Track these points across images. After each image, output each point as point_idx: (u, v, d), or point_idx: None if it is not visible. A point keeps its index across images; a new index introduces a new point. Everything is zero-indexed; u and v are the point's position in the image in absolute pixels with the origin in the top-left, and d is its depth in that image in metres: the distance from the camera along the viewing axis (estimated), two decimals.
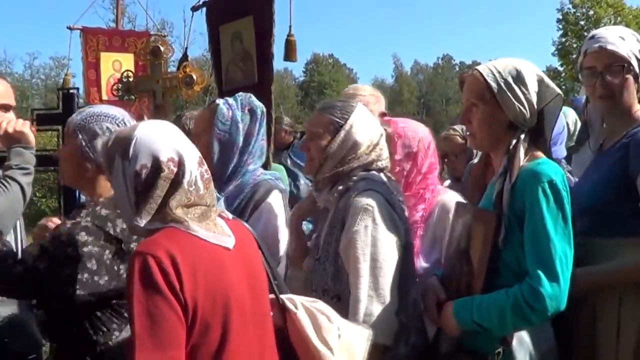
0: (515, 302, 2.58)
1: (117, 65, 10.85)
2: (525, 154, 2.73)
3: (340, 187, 3.03)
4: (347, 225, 2.91)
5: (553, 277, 2.56)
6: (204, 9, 6.72)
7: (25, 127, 3.24)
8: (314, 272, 3.07)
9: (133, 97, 7.46)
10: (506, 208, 2.67)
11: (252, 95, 3.65)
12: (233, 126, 3.51)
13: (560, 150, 3.94)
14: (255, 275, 2.49)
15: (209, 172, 2.46)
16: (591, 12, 41.33)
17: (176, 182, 2.34)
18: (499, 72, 2.78)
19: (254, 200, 3.46)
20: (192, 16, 7.05)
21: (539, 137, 2.81)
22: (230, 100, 3.59)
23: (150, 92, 6.87)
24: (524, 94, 2.75)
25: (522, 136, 2.75)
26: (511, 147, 2.74)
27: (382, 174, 3.10)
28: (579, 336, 2.89)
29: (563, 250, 2.59)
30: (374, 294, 2.81)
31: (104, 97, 10.55)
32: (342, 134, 3.05)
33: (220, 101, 3.58)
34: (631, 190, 2.75)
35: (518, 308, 2.58)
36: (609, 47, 2.91)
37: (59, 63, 47.89)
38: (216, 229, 2.40)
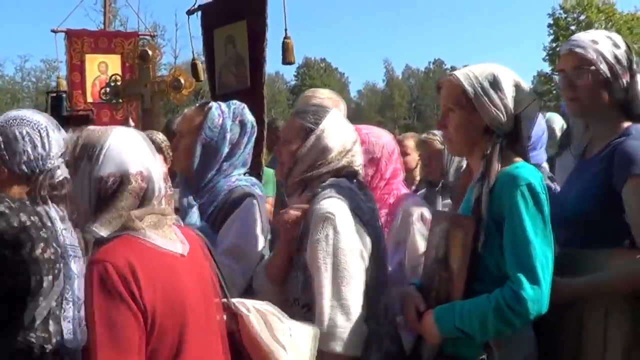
0: (497, 306, 2.56)
1: (102, 67, 10.83)
2: (503, 159, 2.71)
3: (309, 193, 2.97)
4: (310, 234, 2.85)
5: (534, 280, 2.54)
6: (199, 13, 6.66)
7: None
8: (289, 281, 3.02)
9: (120, 101, 7.40)
10: (485, 213, 2.66)
11: (245, 107, 3.56)
12: (220, 134, 3.41)
13: (540, 155, 3.89)
14: (206, 280, 2.50)
15: (171, 188, 2.43)
16: (582, 17, 41.63)
17: (142, 197, 2.38)
18: (476, 77, 2.77)
19: (227, 209, 3.34)
20: (188, 19, 7.00)
21: (516, 142, 2.79)
22: (224, 106, 3.49)
23: (138, 96, 6.85)
24: (500, 98, 2.74)
25: (499, 141, 2.74)
26: (488, 151, 2.73)
27: (353, 181, 3.04)
28: (564, 345, 2.86)
29: (543, 253, 2.58)
30: (337, 304, 2.76)
31: (89, 100, 10.52)
32: (312, 138, 3.00)
33: (213, 105, 3.48)
34: (615, 201, 2.72)
35: (500, 312, 2.55)
36: (577, 49, 2.89)
37: (50, 66, 48.00)
38: (171, 236, 2.41)
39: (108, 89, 6.99)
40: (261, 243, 3.39)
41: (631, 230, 2.70)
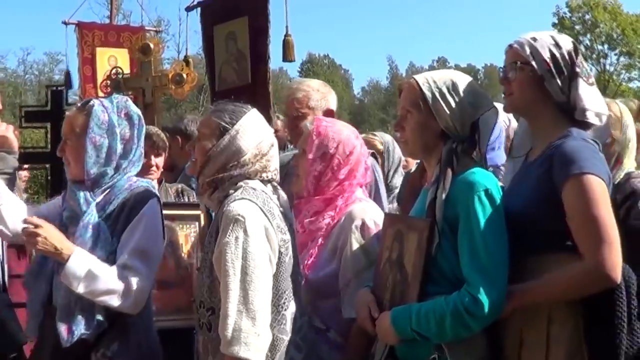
0: (455, 309, 2.59)
1: (112, 60, 10.70)
2: (459, 164, 2.75)
3: (220, 194, 2.92)
4: (219, 236, 2.81)
5: (492, 284, 2.58)
6: (199, 9, 6.69)
7: (9, 131, 3.27)
8: (197, 283, 2.99)
9: (122, 94, 7.41)
10: (439, 216, 2.69)
11: (129, 100, 3.44)
12: (109, 130, 3.26)
13: (500, 156, 3.83)
14: None
15: None
16: (587, 17, 41.44)
17: None
18: (434, 82, 2.83)
19: (131, 207, 3.20)
20: (187, 16, 7.03)
21: (473, 148, 2.84)
22: (106, 102, 3.34)
23: (139, 90, 6.85)
24: (457, 104, 2.79)
25: (455, 146, 2.78)
26: (443, 155, 2.77)
27: (267, 184, 2.98)
28: (507, 351, 2.79)
29: (501, 257, 2.63)
30: (243, 309, 2.70)
31: (100, 94, 10.48)
32: (226, 138, 2.92)
33: (95, 102, 3.31)
34: (558, 205, 2.67)
35: (458, 315, 2.58)
36: (515, 45, 2.88)
37: (53, 59, 47.77)
38: None
39: (110, 82, 7.02)
40: (163, 245, 3.38)
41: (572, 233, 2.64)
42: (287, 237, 2.93)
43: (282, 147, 8.01)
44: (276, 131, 7.88)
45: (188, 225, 4.28)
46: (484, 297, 2.56)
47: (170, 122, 7.62)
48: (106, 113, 3.26)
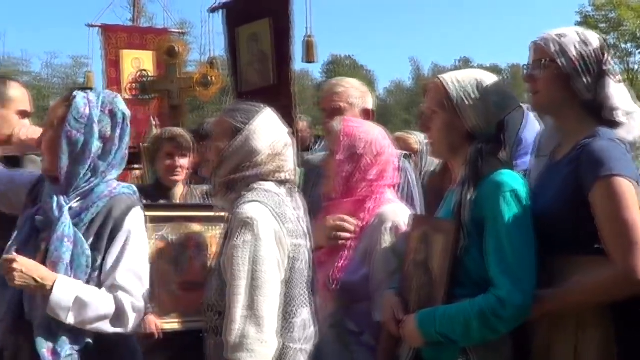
0: (481, 312, 2.56)
1: (136, 63, 10.77)
2: (485, 164, 2.72)
3: (234, 195, 2.86)
4: (228, 238, 2.76)
5: (519, 286, 2.55)
6: (221, 11, 6.72)
7: (39, 134, 3.23)
8: (207, 286, 2.93)
9: (148, 97, 7.46)
10: (466, 217, 2.65)
11: (118, 96, 3.18)
12: (88, 126, 2.97)
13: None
14: None
15: None
16: (612, 15, 41.07)
17: None
18: (460, 81, 2.80)
19: (113, 218, 2.96)
20: (210, 18, 7.06)
21: (500, 148, 2.80)
22: (92, 95, 3.06)
23: (165, 92, 6.89)
24: (483, 104, 2.76)
25: (481, 146, 2.74)
26: (469, 156, 2.74)
27: (281, 187, 2.91)
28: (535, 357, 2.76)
29: (529, 260, 2.59)
30: (249, 314, 2.63)
31: (124, 96, 10.51)
32: (239, 138, 2.86)
33: (79, 94, 3.05)
34: (586, 207, 2.61)
35: (484, 318, 2.56)
36: (540, 42, 2.82)
37: (77, 62, 47.98)
38: None
39: (136, 85, 7.06)
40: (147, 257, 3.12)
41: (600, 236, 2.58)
42: (301, 241, 2.86)
43: (307, 149, 8.03)
44: (300, 132, 7.93)
45: (214, 227, 4.27)
46: (510, 300, 2.53)
47: (194, 124, 7.66)
48: (88, 107, 2.99)
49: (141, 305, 2.94)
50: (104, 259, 2.91)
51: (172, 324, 4.27)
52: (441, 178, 3.02)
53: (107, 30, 11.07)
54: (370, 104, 4.22)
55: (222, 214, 3.02)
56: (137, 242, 2.98)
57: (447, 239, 2.69)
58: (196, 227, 4.22)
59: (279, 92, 5.95)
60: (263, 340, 2.64)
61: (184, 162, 4.72)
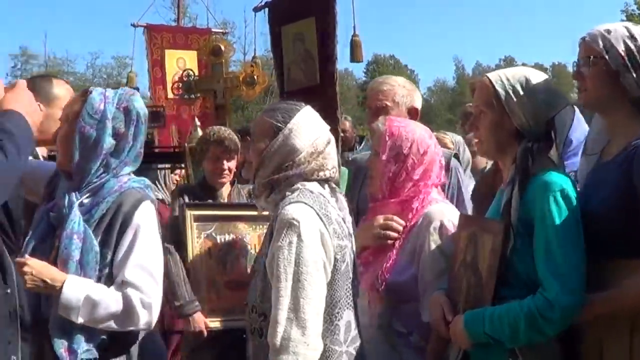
0: (529, 313, 2.53)
1: (181, 62, 10.80)
2: (534, 164, 2.67)
3: (276, 196, 2.82)
4: (272, 239, 2.71)
5: (568, 288, 2.51)
6: (266, 10, 6.73)
7: None
8: (251, 287, 2.90)
9: (193, 97, 7.51)
10: (515, 218, 2.62)
11: (136, 93, 3.13)
12: (101, 122, 2.95)
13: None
14: None
15: None
16: None
17: None
18: (508, 80, 2.76)
19: (122, 212, 2.92)
20: (253, 17, 7.08)
21: (549, 147, 2.74)
22: (109, 92, 3.07)
23: (211, 92, 6.93)
24: (531, 102, 2.72)
25: (530, 145, 2.70)
26: (518, 155, 2.70)
27: (325, 186, 2.87)
28: None
29: (577, 261, 2.55)
30: (293, 317, 2.59)
31: (169, 96, 10.57)
32: (279, 138, 2.80)
33: (95, 90, 3.05)
34: (639, 209, 2.54)
35: (532, 319, 2.53)
36: (587, 39, 2.76)
37: (120, 62, 48.65)
38: None
39: (183, 84, 7.12)
40: (161, 251, 3.07)
41: None
42: (344, 243, 2.81)
43: (351, 149, 8.01)
44: (344, 132, 7.92)
45: (261, 226, 4.29)
46: (558, 301, 2.50)
47: (237, 123, 7.70)
48: (103, 103, 2.98)
49: (151, 301, 2.88)
50: (114, 254, 2.90)
51: (218, 322, 4.30)
52: (493, 177, 3.01)
53: (152, 30, 11.13)
54: (417, 102, 4.19)
55: (267, 213, 3.01)
56: (147, 237, 2.94)
57: (495, 239, 2.66)
58: (243, 226, 4.24)
59: (323, 92, 5.94)
60: (307, 342, 2.61)
61: (231, 164, 4.75)
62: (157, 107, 9.31)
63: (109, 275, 2.88)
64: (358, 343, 2.84)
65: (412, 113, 4.07)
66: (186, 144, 6.25)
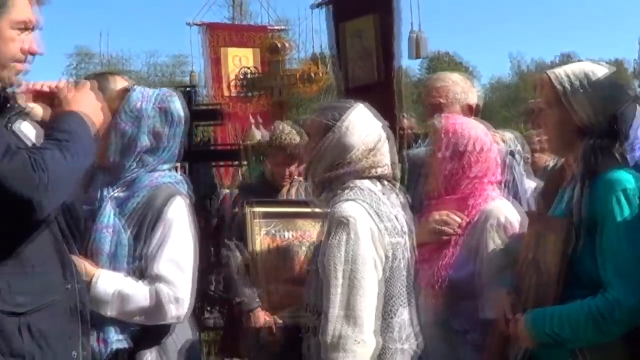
0: (590, 313, 2.50)
1: (237, 60, 10.91)
2: (599, 161, 2.61)
3: (329, 194, 2.83)
4: (325, 238, 2.73)
5: (631, 288, 2.46)
6: (326, 7, 6.77)
7: None
8: (306, 285, 2.90)
9: (251, 94, 7.56)
10: (578, 216, 2.58)
11: (174, 94, 3.15)
12: (136, 120, 2.99)
13: None
14: None
15: None
16: None
17: None
18: (568, 76, 2.72)
19: (154, 207, 2.94)
20: (311, 14, 7.12)
21: (614, 143, 2.66)
22: (149, 91, 3.10)
23: (269, 89, 6.98)
24: (593, 98, 2.67)
25: (594, 142, 2.64)
26: (582, 152, 2.65)
27: (377, 183, 2.85)
28: None
29: None
30: (346, 314, 2.61)
31: (225, 94, 10.64)
32: (330, 136, 2.81)
33: (136, 88, 3.08)
34: None
35: (593, 319, 2.49)
36: None
37: (177, 61, 49.18)
38: None
39: (240, 82, 7.18)
40: (194, 245, 3.06)
41: None
42: (399, 239, 2.79)
43: (409, 146, 7.97)
44: (402, 129, 7.89)
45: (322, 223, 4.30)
46: (621, 302, 2.45)
47: (295, 121, 7.74)
48: (141, 101, 3.02)
49: (181, 296, 2.90)
50: (145, 248, 2.92)
51: (279, 319, 4.32)
52: (560, 174, 2.96)
53: (210, 28, 11.24)
54: (473, 99, 4.14)
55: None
56: (179, 231, 2.96)
57: (558, 238, 2.63)
58: (304, 223, 4.25)
59: (382, 90, 5.94)
60: (360, 340, 2.62)
61: (292, 169, 4.83)
62: (216, 105, 9.38)
63: (140, 269, 2.91)
64: (414, 341, 2.81)
65: (469, 110, 4.03)
66: (242, 142, 6.29)
